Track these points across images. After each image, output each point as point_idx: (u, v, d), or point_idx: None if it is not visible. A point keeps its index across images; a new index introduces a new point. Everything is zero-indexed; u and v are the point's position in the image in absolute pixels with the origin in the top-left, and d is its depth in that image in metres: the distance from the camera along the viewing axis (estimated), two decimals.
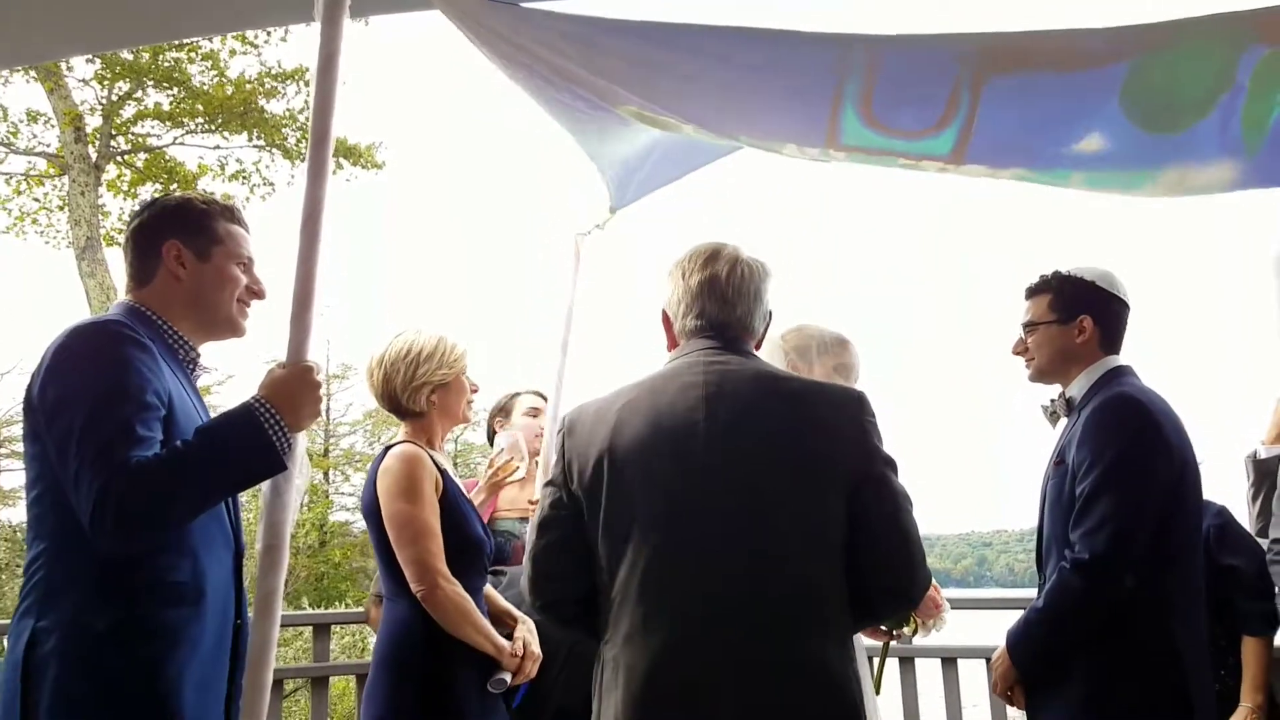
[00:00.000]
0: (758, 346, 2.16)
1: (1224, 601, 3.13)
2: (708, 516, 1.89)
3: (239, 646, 2.17)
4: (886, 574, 1.94)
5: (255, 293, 2.30)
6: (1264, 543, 3.22)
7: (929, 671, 4.27)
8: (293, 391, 2.13)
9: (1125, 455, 2.53)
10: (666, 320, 2.19)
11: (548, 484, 2.07)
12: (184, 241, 2.20)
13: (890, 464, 1.97)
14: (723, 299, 2.10)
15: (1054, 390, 2.86)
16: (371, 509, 2.71)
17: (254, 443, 2.04)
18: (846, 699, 1.86)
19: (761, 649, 1.83)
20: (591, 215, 3.72)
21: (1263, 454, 3.39)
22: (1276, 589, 2.98)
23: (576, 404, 2.13)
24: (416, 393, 2.78)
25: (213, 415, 2.14)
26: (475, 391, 2.93)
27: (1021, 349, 2.86)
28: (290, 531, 2.27)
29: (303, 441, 2.20)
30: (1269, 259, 3.54)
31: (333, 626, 4.40)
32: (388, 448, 2.77)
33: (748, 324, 2.12)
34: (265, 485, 2.18)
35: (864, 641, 3.07)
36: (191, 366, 2.23)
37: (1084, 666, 2.52)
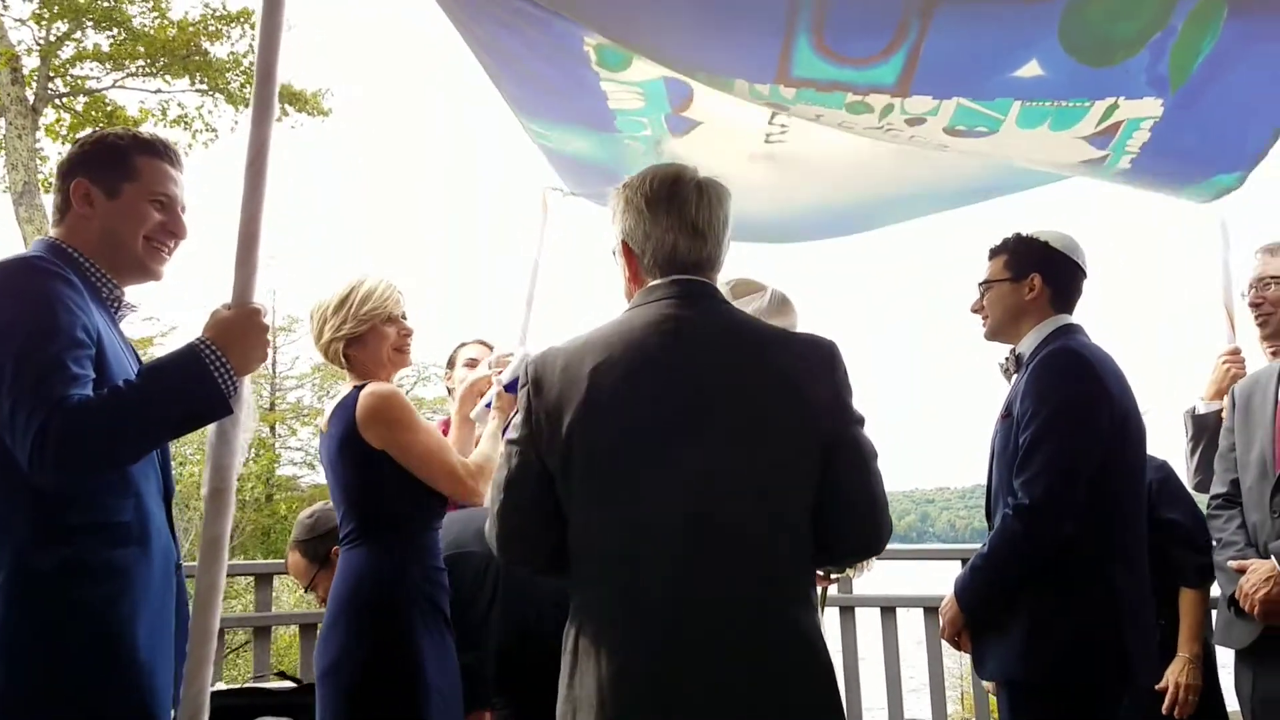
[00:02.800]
0: (715, 276, 2.07)
1: (1162, 554, 3.20)
2: (686, 482, 1.82)
3: (180, 592, 2.14)
4: (855, 535, 1.92)
5: (171, 232, 2.20)
6: (1203, 497, 3.32)
7: (868, 620, 4.35)
8: (239, 333, 2.09)
9: (1066, 405, 2.62)
10: (628, 251, 2.04)
11: (511, 441, 1.96)
12: (92, 179, 2.13)
13: (860, 421, 1.94)
14: (694, 231, 1.98)
15: (1007, 349, 2.94)
16: (342, 447, 2.67)
17: (200, 384, 2.00)
18: (821, 656, 1.85)
19: (740, 616, 1.79)
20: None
21: (1201, 410, 3.46)
22: (1214, 541, 3.05)
23: (539, 354, 1.99)
24: (329, 348, 2.78)
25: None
26: (408, 335, 2.86)
27: (978, 307, 2.96)
28: (238, 475, 2.24)
29: (249, 385, 2.17)
30: (1215, 223, 3.61)
31: (275, 577, 4.37)
32: (358, 388, 2.73)
33: (716, 258, 2.03)
34: (211, 429, 2.14)
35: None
36: (115, 305, 2.16)
37: (1025, 611, 2.60)
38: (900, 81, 2.76)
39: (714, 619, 1.78)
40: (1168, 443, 3.54)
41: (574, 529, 1.89)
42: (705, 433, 1.84)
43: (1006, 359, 2.91)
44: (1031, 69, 2.74)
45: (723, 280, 3.05)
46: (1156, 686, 3.10)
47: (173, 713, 2.10)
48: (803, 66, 2.73)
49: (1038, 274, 2.85)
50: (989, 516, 2.81)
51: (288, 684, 3.43)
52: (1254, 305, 3.05)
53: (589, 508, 1.87)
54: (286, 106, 15.07)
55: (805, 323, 3.09)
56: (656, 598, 1.80)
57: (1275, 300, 2.94)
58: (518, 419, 1.96)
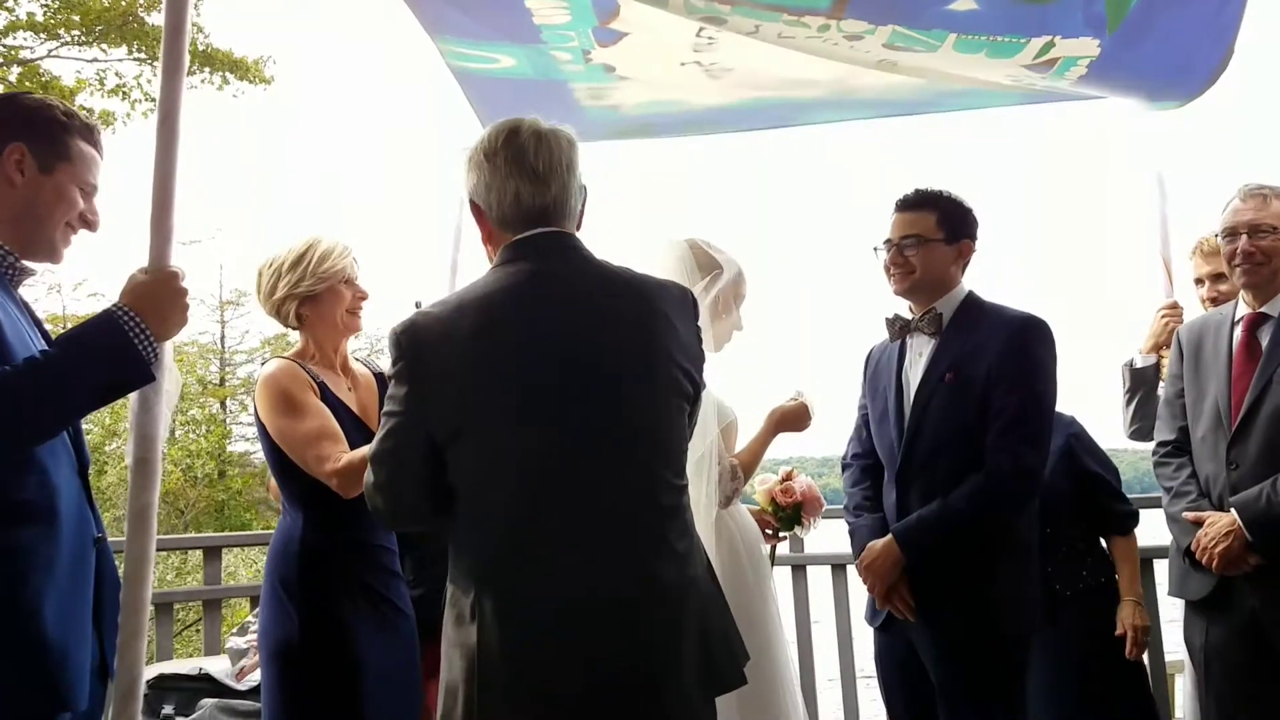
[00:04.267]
0: (578, 227, 2.04)
1: (1088, 505, 3.29)
2: (573, 438, 1.82)
3: (103, 566, 2.06)
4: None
5: (88, 223, 2.13)
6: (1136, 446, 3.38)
7: (820, 578, 4.37)
8: (157, 298, 2.03)
9: (1049, 376, 2.77)
10: (477, 210, 2.01)
11: (391, 413, 1.92)
12: (30, 147, 2.04)
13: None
14: (534, 176, 1.93)
15: (897, 306, 2.94)
16: (259, 430, 2.63)
17: (120, 352, 1.95)
18: (701, 606, 1.87)
19: (629, 571, 1.80)
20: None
21: (1139, 363, 3.50)
22: (1165, 490, 3.08)
23: (408, 323, 1.93)
24: (282, 306, 2.68)
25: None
26: (363, 298, 2.78)
27: (902, 260, 2.86)
28: (163, 445, 2.19)
29: (169, 350, 2.12)
30: (1151, 178, 3.63)
31: (228, 550, 4.32)
32: (263, 364, 2.67)
33: (564, 203, 1.98)
34: (133, 397, 2.09)
35: (764, 550, 3.13)
36: (12, 274, 2.05)
37: (979, 568, 2.69)
38: (835, 6, 2.74)
39: (605, 573, 1.79)
40: (1105, 395, 3.60)
41: (462, 493, 1.88)
42: (589, 387, 1.84)
43: (915, 319, 2.87)
44: (966, 3, 2.73)
45: (678, 239, 3.06)
46: (1116, 634, 3.19)
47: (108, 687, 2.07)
48: None
49: (969, 240, 2.88)
50: (902, 474, 2.82)
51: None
52: (1246, 254, 2.88)
53: (474, 471, 1.86)
54: (227, 75, 14.78)
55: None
56: (546, 554, 1.80)
57: (1268, 250, 2.89)
58: (397, 390, 1.91)
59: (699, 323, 1.99)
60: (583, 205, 2.03)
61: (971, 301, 2.85)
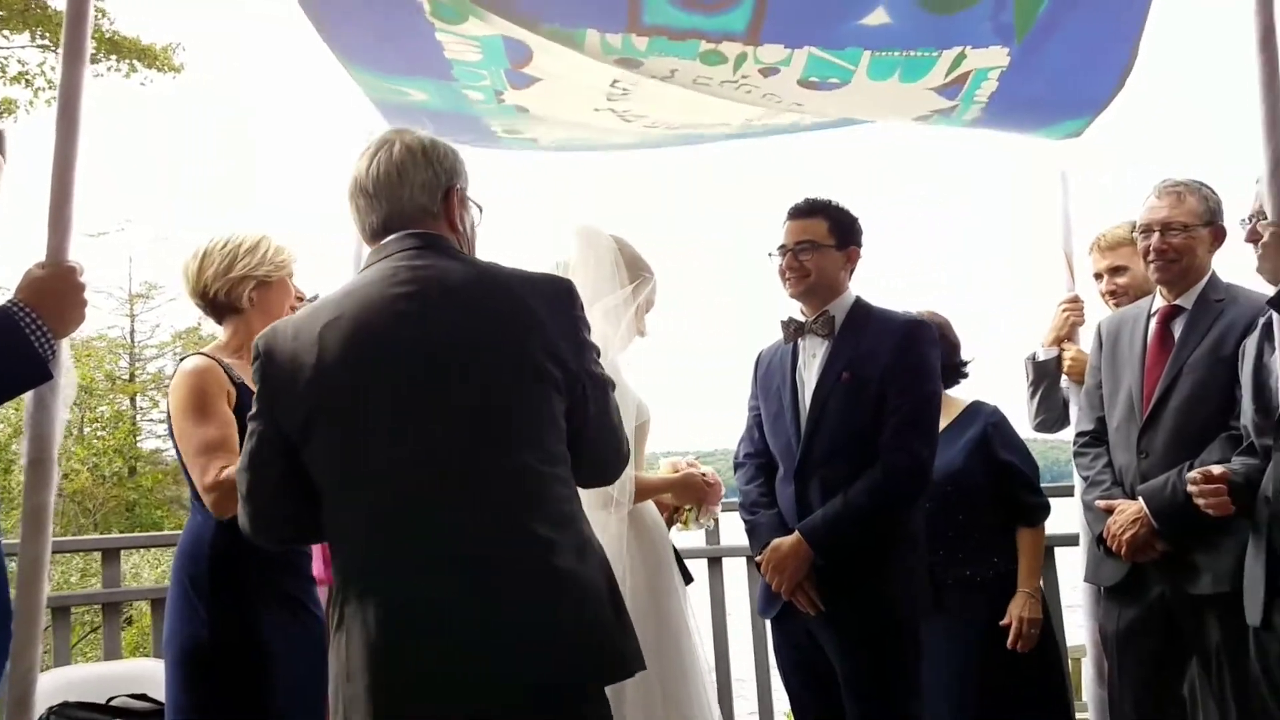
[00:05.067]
0: (450, 221, 2.01)
1: (1001, 494, 3.35)
2: (427, 432, 1.80)
3: None
4: (594, 464, 1.99)
5: None
6: (1040, 438, 3.48)
7: (735, 570, 4.40)
8: (55, 293, 1.99)
9: (937, 375, 2.92)
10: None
11: (252, 417, 1.91)
12: None
13: (597, 351, 1.98)
14: (366, 194, 1.97)
15: (790, 308, 3.03)
16: (169, 427, 2.58)
17: (15, 350, 1.89)
18: (576, 595, 1.84)
19: (488, 564, 1.78)
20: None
21: (1041, 356, 3.59)
22: (1083, 478, 3.17)
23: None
24: (235, 286, 2.61)
25: None
26: (303, 300, 2.76)
27: (796, 264, 2.95)
28: (59, 444, 2.13)
29: (67, 348, 2.06)
30: (1055, 174, 3.73)
31: (132, 552, 4.20)
32: (181, 359, 2.61)
33: (407, 213, 1.96)
34: (28, 396, 2.04)
35: (673, 542, 3.15)
36: None
37: (867, 557, 2.78)
38: (751, 29, 2.78)
39: (470, 565, 1.77)
40: (1009, 387, 3.69)
41: (324, 495, 1.86)
42: (442, 382, 1.82)
43: (809, 322, 2.96)
44: (879, 16, 2.78)
45: (605, 233, 3.06)
46: (1001, 623, 3.24)
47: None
48: (652, 12, 2.73)
49: (855, 247, 3.01)
50: (800, 471, 2.89)
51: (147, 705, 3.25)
52: (1159, 251, 2.98)
53: (333, 470, 1.84)
54: (135, 62, 14.35)
55: None
56: (410, 553, 1.79)
57: (1180, 247, 2.98)
58: (256, 397, 1.91)
59: (581, 311, 1.95)
60: (445, 193, 2.00)
61: (860, 305, 2.98)
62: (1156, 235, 2.98)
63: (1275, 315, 2.41)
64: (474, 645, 1.75)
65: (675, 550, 3.17)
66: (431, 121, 3.49)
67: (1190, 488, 2.61)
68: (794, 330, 3.00)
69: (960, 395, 3.50)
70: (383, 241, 1.96)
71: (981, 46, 2.97)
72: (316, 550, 2.75)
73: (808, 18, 2.81)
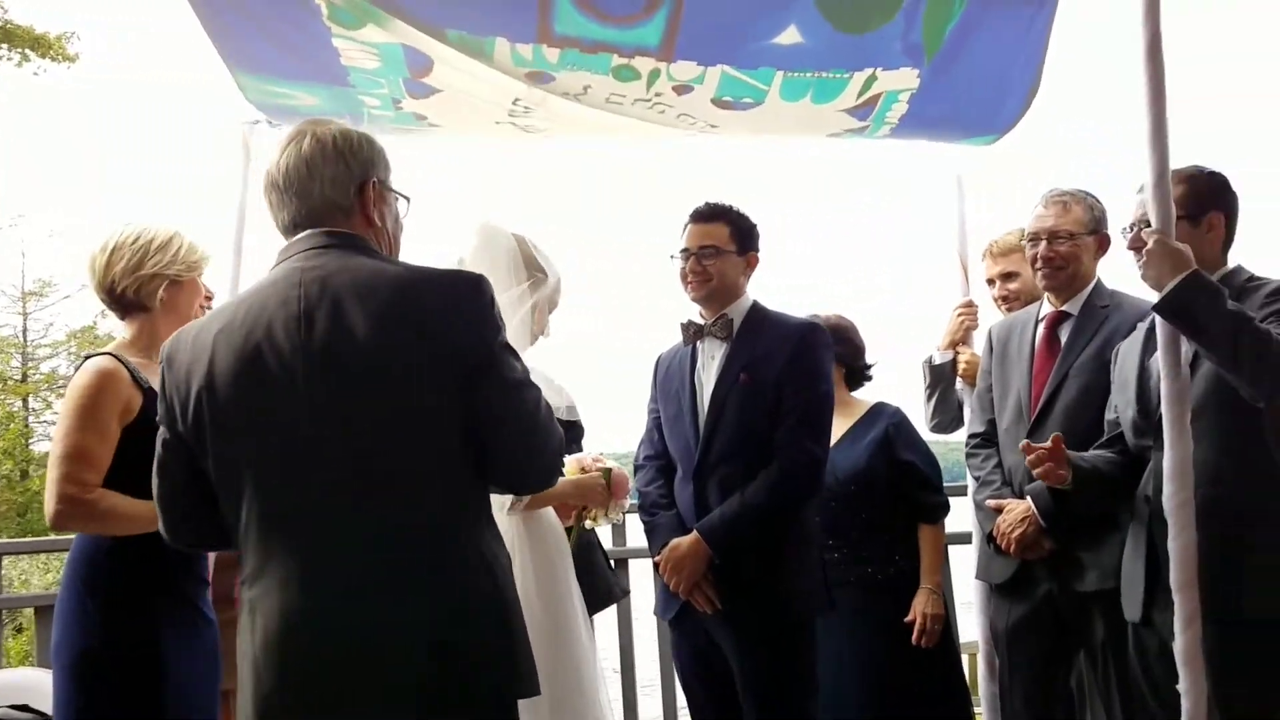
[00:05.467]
0: (366, 216, 1.95)
1: (902, 493, 3.41)
2: (317, 444, 1.76)
3: None
4: (507, 459, 1.89)
5: None
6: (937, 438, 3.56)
7: (641, 571, 4.40)
8: None
9: (830, 376, 2.99)
10: None
11: (158, 421, 1.90)
12: None
13: (507, 348, 1.89)
14: (278, 189, 1.92)
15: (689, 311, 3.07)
16: None
17: None
18: (482, 588, 1.82)
19: (387, 577, 1.75)
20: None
21: (937, 359, 3.67)
22: (974, 479, 3.25)
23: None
24: (146, 284, 2.54)
25: None
26: (210, 299, 2.72)
27: (700, 269, 2.97)
28: None
29: None
30: (951, 180, 3.82)
31: (15, 557, 4.05)
32: (86, 357, 2.53)
33: (316, 209, 1.91)
34: None
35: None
36: None
37: (764, 555, 2.81)
38: (664, 44, 2.79)
39: (367, 566, 1.75)
40: (909, 389, 3.77)
41: (222, 503, 1.84)
42: (334, 389, 1.77)
43: (708, 324, 2.99)
44: (791, 35, 2.80)
45: (506, 231, 3.03)
46: (905, 619, 3.29)
47: None
48: (564, 22, 2.71)
49: (754, 252, 3.04)
50: (699, 471, 2.92)
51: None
52: (1046, 259, 3.05)
53: (226, 480, 1.81)
54: (28, 51, 13.86)
55: None
56: (277, 562, 1.76)
57: (1066, 255, 3.06)
58: (160, 401, 1.89)
59: (492, 310, 1.88)
60: (359, 188, 1.94)
61: (757, 309, 3.01)
62: (1044, 243, 3.06)
63: (1159, 320, 2.48)
64: (367, 651, 1.72)
65: (608, 563, 3.23)
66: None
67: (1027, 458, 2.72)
68: (693, 333, 3.03)
69: (864, 397, 3.57)
70: (291, 240, 1.91)
71: (892, 68, 3.02)
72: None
73: (721, 34, 2.83)
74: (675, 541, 2.86)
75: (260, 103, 3.30)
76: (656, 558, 2.94)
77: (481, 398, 1.82)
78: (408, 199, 2.04)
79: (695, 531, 2.84)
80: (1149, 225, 2.51)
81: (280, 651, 1.74)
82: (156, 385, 2.45)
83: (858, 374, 3.55)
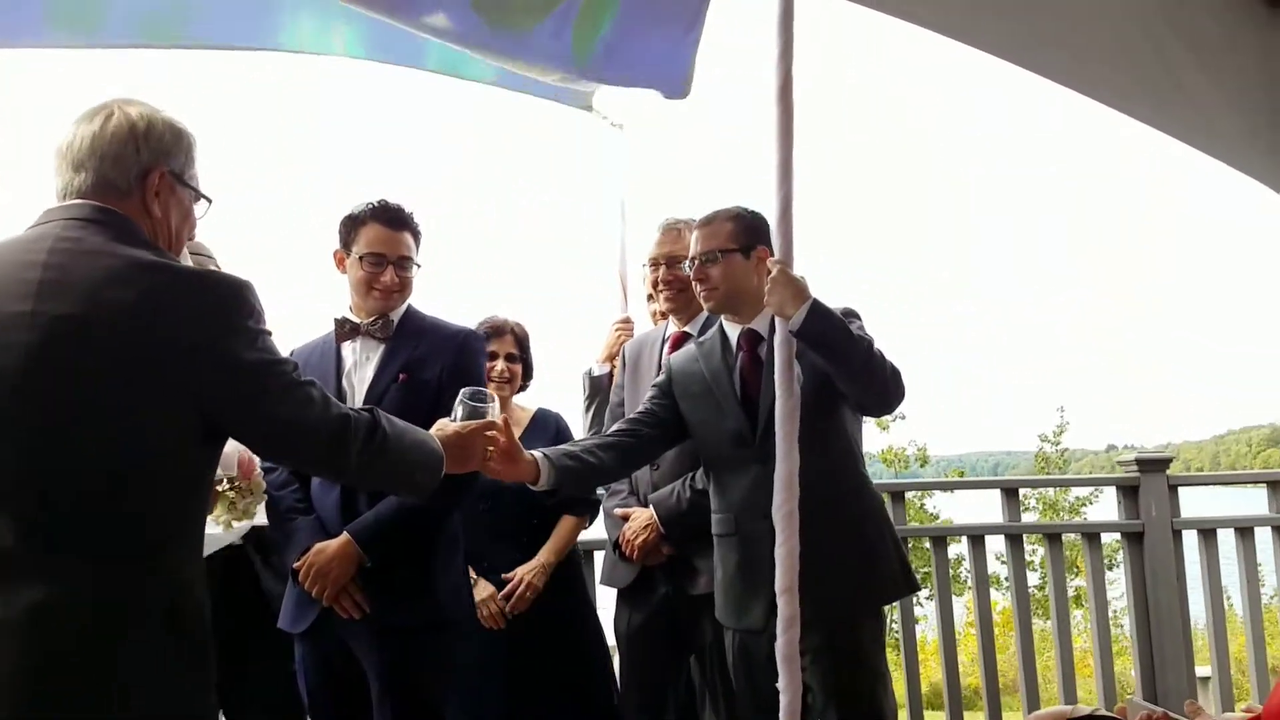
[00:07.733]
0: (145, 204, 1.86)
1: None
2: (21, 437, 1.65)
3: None
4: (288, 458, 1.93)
5: None
6: None
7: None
8: None
9: (484, 381, 3.03)
10: None
11: None
12: None
13: (260, 347, 1.81)
14: (60, 155, 1.84)
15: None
16: None
17: None
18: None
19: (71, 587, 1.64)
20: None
21: (596, 371, 3.77)
22: (604, 490, 3.36)
23: None
24: None
25: None
26: None
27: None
28: None
29: None
30: (614, 203, 3.97)
31: None
32: None
33: (96, 180, 1.82)
34: None
35: None
36: None
37: (415, 556, 2.78)
38: None
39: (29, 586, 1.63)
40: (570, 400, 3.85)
41: None
42: (40, 373, 1.67)
43: (366, 323, 2.88)
44: (440, 20, 2.82)
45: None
46: (503, 574, 3.30)
47: None
48: None
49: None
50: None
51: None
52: (666, 283, 3.21)
53: None
54: None
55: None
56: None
57: (684, 279, 3.12)
58: None
59: (241, 316, 1.79)
60: (152, 180, 1.86)
61: (413, 312, 2.95)
62: (663, 268, 3.26)
63: (778, 341, 2.58)
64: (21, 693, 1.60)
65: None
66: None
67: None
68: (349, 330, 2.91)
69: (527, 404, 3.60)
70: (61, 205, 1.80)
71: (538, 65, 3.11)
72: None
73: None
74: (320, 545, 2.71)
75: None
76: (295, 564, 2.78)
77: (231, 403, 1.78)
78: (209, 200, 1.96)
79: (346, 533, 2.72)
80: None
81: None
82: None
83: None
